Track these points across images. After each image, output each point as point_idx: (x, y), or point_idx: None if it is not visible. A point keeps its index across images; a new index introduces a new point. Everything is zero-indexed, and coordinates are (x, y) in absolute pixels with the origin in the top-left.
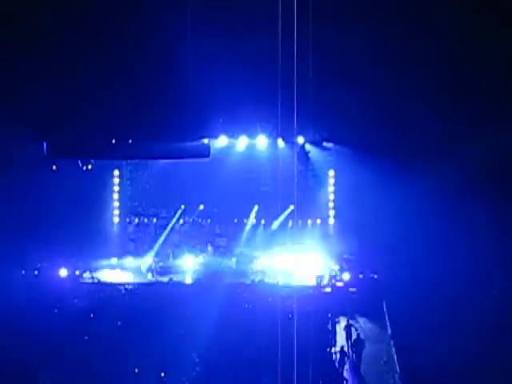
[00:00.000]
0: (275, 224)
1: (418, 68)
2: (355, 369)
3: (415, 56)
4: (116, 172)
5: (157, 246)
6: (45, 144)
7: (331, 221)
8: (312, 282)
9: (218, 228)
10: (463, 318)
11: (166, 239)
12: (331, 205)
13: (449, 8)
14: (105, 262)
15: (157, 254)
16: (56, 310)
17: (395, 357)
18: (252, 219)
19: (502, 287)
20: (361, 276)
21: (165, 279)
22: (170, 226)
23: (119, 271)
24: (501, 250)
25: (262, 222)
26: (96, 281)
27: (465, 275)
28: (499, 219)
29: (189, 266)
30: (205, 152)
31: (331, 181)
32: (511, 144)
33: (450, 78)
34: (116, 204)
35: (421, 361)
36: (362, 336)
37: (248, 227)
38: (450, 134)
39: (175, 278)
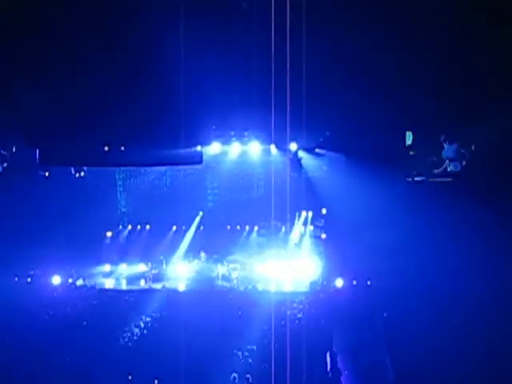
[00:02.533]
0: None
1: (412, 73)
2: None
3: (410, 60)
4: (109, 179)
5: (150, 253)
6: (37, 151)
7: (324, 227)
8: (305, 289)
9: (211, 235)
10: (459, 325)
11: (159, 246)
12: (324, 211)
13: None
14: (98, 269)
15: (150, 261)
16: (48, 317)
17: (389, 365)
18: (245, 226)
19: (498, 293)
20: (354, 282)
21: (158, 286)
22: (163, 232)
23: (112, 278)
24: (501, 255)
25: (256, 228)
26: (89, 287)
27: (461, 282)
28: (499, 224)
29: (182, 273)
30: (198, 159)
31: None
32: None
33: (445, 82)
34: (109, 211)
35: (416, 370)
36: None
37: (242, 234)
38: (446, 138)
39: (168, 285)
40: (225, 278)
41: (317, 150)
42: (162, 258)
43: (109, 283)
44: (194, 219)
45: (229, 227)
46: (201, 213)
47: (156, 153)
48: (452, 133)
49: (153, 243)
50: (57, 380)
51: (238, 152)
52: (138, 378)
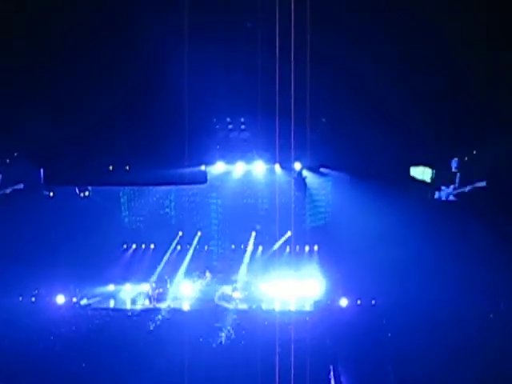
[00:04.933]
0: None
1: (421, 93)
2: None
3: (413, 81)
4: (113, 199)
5: (154, 273)
6: (41, 171)
7: (329, 246)
8: (309, 308)
9: (216, 254)
10: (465, 346)
11: (163, 266)
12: (329, 230)
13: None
14: (102, 289)
15: (154, 281)
16: (52, 337)
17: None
18: (250, 245)
19: (503, 312)
20: (359, 302)
21: (162, 306)
22: (168, 252)
23: (117, 298)
24: (506, 274)
25: (260, 248)
26: (93, 307)
27: (466, 301)
28: (504, 241)
29: (186, 292)
30: (202, 178)
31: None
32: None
33: (456, 100)
34: (113, 230)
35: None
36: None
37: (246, 253)
38: (451, 159)
39: (173, 305)
40: (228, 297)
41: (321, 170)
42: (166, 277)
43: (113, 303)
44: (198, 239)
45: (233, 246)
46: (199, 233)
47: (160, 172)
48: (454, 155)
49: (157, 263)
50: None
51: (243, 171)
52: None
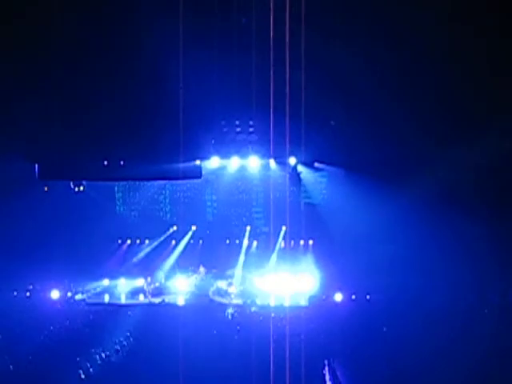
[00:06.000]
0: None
1: (413, 89)
2: None
3: (410, 76)
4: (108, 193)
5: (149, 267)
6: (36, 166)
7: (324, 241)
8: (304, 303)
9: (210, 249)
10: (459, 341)
11: (158, 260)
12: (324, 225)
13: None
14: (97, 284)
15: (149, 275)
16: (47, 332)
17: (389, 380)
18: (244, 240)
19: (497, 307)
20: (353, 297)
21: (157, 300)
22: (163, 247)
23: (111, 292)
24: (498, 270)
25: (255, 243)
26: (88, 302)
27: (460, 295)
28: (495, 238)
29: (181, 287)
30: (196, 173)
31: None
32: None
33: (445, 97)
34: (108, 225)
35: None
36: None
37: (242, 248)
38: (446, 153)
39: (167, 300)
40: (223, 292)
41: (316, 165)
42: (161, 272)
43: (108, 298)
44: (192, 233)
45: (228, 241)
46: (193, 227)
47: (155, 167)
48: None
49: (152, 257)
50: None
51: (237, 166)
52: None
